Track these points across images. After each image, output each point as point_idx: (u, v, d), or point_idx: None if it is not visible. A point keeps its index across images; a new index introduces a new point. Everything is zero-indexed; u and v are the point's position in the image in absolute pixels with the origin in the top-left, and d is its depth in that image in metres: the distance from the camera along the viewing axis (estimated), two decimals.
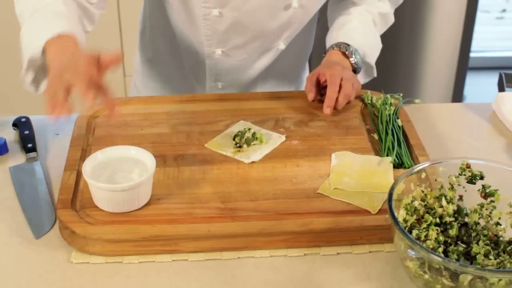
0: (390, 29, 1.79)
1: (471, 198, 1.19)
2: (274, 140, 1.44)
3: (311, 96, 1.56)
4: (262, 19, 1.60)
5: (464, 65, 3.15)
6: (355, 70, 1.62)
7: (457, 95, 3.22)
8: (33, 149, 1.45)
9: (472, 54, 3.23)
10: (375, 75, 1.72)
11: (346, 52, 1.61)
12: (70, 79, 1.22)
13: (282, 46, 1.69)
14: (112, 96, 1.25)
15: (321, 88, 1.58)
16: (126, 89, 3.14)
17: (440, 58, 3.12)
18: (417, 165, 1.21)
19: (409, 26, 2.99)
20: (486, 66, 4.31)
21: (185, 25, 1.66)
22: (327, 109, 1.52)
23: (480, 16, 3.36)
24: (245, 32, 1.62)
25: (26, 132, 1.49)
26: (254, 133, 1.43)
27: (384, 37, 1.74)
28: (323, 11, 1.71)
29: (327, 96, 1.53)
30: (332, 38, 1.67)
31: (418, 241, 1.07)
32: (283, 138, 1.45)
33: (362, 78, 1.71)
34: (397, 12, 1.77)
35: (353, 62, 1.61)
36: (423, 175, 1.20)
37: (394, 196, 1.14)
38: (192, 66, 1.75)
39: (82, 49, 1.35)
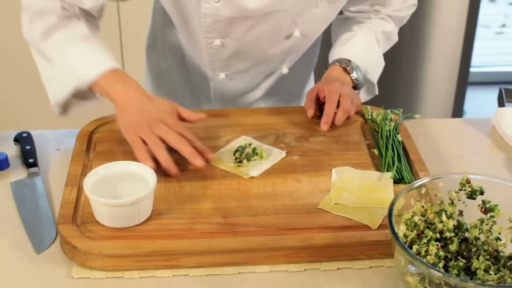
0: None
1: (471, 213, 1.19)
2: (275, 155, 1.45)
3: (310, 112, 1.57)
4: (263, 48, 1.61)
5: (464, 80, 3.16)
6: (356, 87, 1.63)
7: (457, 110, 3.22)
8: (34, 164, 1.46)
9: (472, 69, 3.23)
10: (376, 93, 1.73)
11: (347, 68, 1.62)
12: (165, 135, 1.37)
13: (285, 70, 1.71)
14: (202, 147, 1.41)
15: (320, 104, 1.58)
16: None
17: (440, 73, 3.12)
18: (417, 181, 1.21)
19: (409, 41, 3.00)
20: (486, 81, 4.32)
21: (190, 48, 1.67)
22: (324, 126, 1.53)
23: (480, 31, 3.37)
24: (247, 59, 1.63)
25: (28, 147, 1.50)
26: (254, 149, 1.43)
27: (385, 52, 1.75)
28: (327, 28, 1.71)
29: (325, 112, 1.53)
30: (334, 54, 1.68)
31: (418, 256, 1.07)
32: (283, 154, 1.46)
33: (363, 95, 1.72)
34: None
35: (353, 78, 1.62)
36: (423, 190, 1.20)
37: (394, 212, 1.14)
38: (199, 84, 1.76)
39: (151, 94, 1.44)
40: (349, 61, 1.63)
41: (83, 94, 1.48)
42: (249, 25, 1.53)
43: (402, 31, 1.79)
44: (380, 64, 1.73)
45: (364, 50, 1.68)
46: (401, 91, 3.17)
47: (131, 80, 1.43)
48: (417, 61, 3.10)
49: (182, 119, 1.43)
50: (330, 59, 1.69)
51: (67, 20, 1.48)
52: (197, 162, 1.36)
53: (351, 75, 1.62)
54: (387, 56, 1.77)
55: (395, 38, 1.77)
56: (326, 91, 1.55)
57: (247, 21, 1.52)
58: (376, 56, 1.71)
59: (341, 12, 1.73)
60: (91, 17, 1.54)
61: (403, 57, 3.06)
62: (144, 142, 1.37)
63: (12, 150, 1.52)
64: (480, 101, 4.05)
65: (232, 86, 1.71)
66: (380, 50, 1.73)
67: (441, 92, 3.18)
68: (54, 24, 1.47)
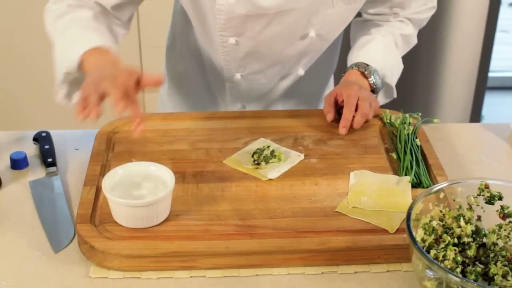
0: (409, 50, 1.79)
1: (490, 218, 1.19)
2: (293, 158, 1.45)
3: (330, 117, 1.57)
4: (279, 48, 1.61)
5: (483, 85, 3.15)
6: (374, 91, 1.62)
7: (475, 115, 3.21)
8: (53, 163, 1.46)
9: (491, 74, 3.22)
10: (395, 96, 1.73)
11: (365, 72, 1.62)
12: (106, 86, 1.27)
13: (301, 72, 1.70)
14: (141, 111, 1.29)
15: (339, 108, 1.58)
16: (145, 105, 3.16)
17: (459, 77, 3.11)
18: (436, 185, 1.21)
19: (428, 46, 2.99)
20: (506, 86, 4.30)
21: (207, 47, 1.68)
22: (342, 129, 1.53)
23: (499, 36, 3.36)
24: (262, 59, 1.63)
25: (47, 146, 1.50)
26: (272, 151, 1.43)
27: (403, 56, 1.75)
28: (346, 30, 1.71)
29: (343, 116, 1.53)
30: (352, 57, 1.68)
31: (436, 261, 1.07)
32: (301, 156, 1.46)
33: (381, 99, 1.71)
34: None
35: (371, 82, 1.62)
36: (442, 195, 1.20)
37: (413, 216, 1.14)
38: (216, 85, 1.76)
39: (122, 63, 1.39)
40: (367, 65, 1.63)
41: (78, 79, 1.48)
42: (264, 24, 1.53)
43: (421, 35, 1.78)
44: (399, 67, 1.73)
45: (383, 53, 1.67)
46: (419, 95, 3.16)
47: (109, 54, 1.43)
48: (435, 65, 3.09)
49: (142, 84, 1.31)
50: (349, 63, 1.68)
51: (74, 8, 1.52)
52: (119, 105, 1.24)
53: (369, 79, 1.62)
54: (406, 60, 1.76)
55: (414, 41, 1.76)
56: (345, 94, 1.55)
57: (261, 19, 1.52)
58: (394, 60, 1.70)
59: (359, 15, 1.73)
60: (112, 13, 1.56)
61: (422, 61, 3.05)
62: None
63: (31, 150, 1.52)
64: (499, 106, 4.03)
65: (248, 87, 1.71)
66: (398, 54, 1.72)
67: (459, 96, 3.17)
68: (63, 11, 1.51)
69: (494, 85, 4.15)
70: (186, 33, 1.75)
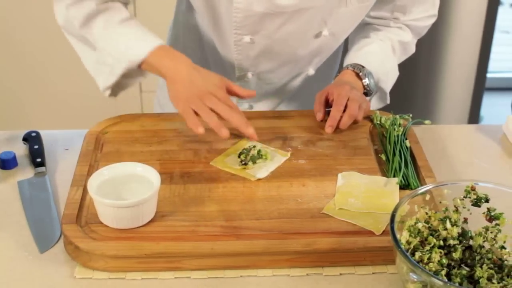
0: None
1: (476, 221, 1.18)
2: (279, 157, 1.45)
3: (319, 116, 1.57)
4: (293, 47, 1.61)
5: (481, 86, 3.14)
6: (367, 93, 1.62)
7: (474, 116, 3.20)
8: (42, 163, 1.46)
9: (491, 75, 3.21)
10: (388, 102, 1.73)
11: (360, 74, 1.62)
12: (216, 106, 1.41)
13: (311, 71, 1.70)
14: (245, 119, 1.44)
15: (329, 108, 1.58)
16: (142, 105, 3.16)
17: (457, 79, 3.11)
18: (421, 187, 1.21)
19: (426, 47, 2.98)
20: (507, 87, 4.29)
21: (217, 47, 1.67)
22: (328, 128, 1.53)
23: (499, 37, 3.35)
24: (276, 58, 1.63)
25: (36, 146, 1.50)
26: (259, 151, 1.43)
27: (400, 62, 1.74)
28: None
29: (330, 115, 1.53)
30: (349, 58, 1.68)
31: (419, 265, 1.07)
32: (288, 155, 1.46)
33: (375, 103, 1.71)
34: None
35: (365, 84, 1.61)
36: (428, 197, 1.20)
37: (398, 218, 1.13)
38: None
39: (201, 67, 1.49)
40: (363, 67, 1.63)
41: (131, 73, 1.53)
42: (280, 22, 1.53)
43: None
44: (394, 73, 1.72)
45: (379, 57, 1.67)
46: (418, 96, 3.16)
47: (179, 55, 1.49)
48: (434, 66, 3.08)
49: (231, 93, 1.48)
50: (345, 64, 1.68)
51: (105, 5, 1.53)
52: (249, 130, 1.42)
53: (363, 81, 1.62)
54: (405, 60, 1.76)
55: (412, 50, 1.76)
56: (335, 94, 1.55)
57: (278, 18, 1.52)
58: (390, 65, 1.70)
59: None
60: (125, 1, 1.58)
61: (420, 62, 3.04)
62: (196, 114, 1.41)
63: (20, 149, 1.52)
64: (500, 107, 4.02)
65: (258, 87, 1.70)
66: (395, 60, 1.72)
67: (458, 97, 3.16)
68: (93, 10, 1.51)
69: (496, 86, 4.14)
70: (190, 34, 1.74)
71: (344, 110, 1.54)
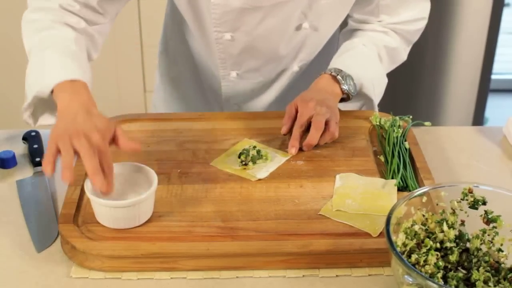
0: (412, 51, 1.75)
1: (474, 223, 1.18)
2: (280, 157, 1.45)
3: (284, 129, 1.52)
4: (274, 42, 1.60)
5: (486, 87, 3.13)
6: (345, 98, 1.59)
7: (478, 118, 3.19)
8: (41, 163, 1.46)
9: (496, 76, 3.20)
10: (375, 110, 1.66)
11: (337, 77, 1.56)
12: (80, 147, 1.22)
13: (296, 68, 1.68)
14: (109, 181, 1.24)
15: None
16: (146, 105, 3.16)
17: (462, 80, 3.10)
18: (418, 189, 1.20)
19: (431, 49, 2.98)
20: (511, 89, 4.27)
21: (201, 48, 1.67)
22: (292, 149, 1.47)
23: (504, 38, 3.34)
24: (258, 55, 1.62)
25: (35, 146, 1.50)
26: (259, 151, 1.43)
27: (389, 71, 1.71)
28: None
29: (292, 135, 1.48)
30: (330, 64, 1.64)
31: (414, 267, 1.06)
32: (288, 156, 1.46)
33: (358, 107, 1.68)
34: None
35: (344, 88, 1.56)
36: (425, 199, 1.19)
37: (394, 220, 1.13)
38: (210, 88, 1.76)
39: (97, 110, 1.32)
40: (341, 70, 1.58)
41: (49, 104, 1.42)
42: (259, 17, 1.53)
43: (424, 39, 1.75)
44: (381, 81, 1.66)
45: (361, 62, 1.62)
46: (422, 98, 3.15)
47: (84, 92, 1.35)
48: (438, 67, 3.07)
49: (115, 140, 1.31)
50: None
51: (58, 24, 1.45)
52: (95, 179, 1.21)
53: (341, 84, 1.56)
54: (409, 62, 1.74)
55: (402, 57, 1.71)
56: (299, 111, 1.50)
57: (257, 12, 1.51)
58: (375, 72, 1.65)
59: (346, 24, 1.71)
60: (95, 13, 1.51)
61: (425, 64, 3.03)
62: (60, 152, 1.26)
63: (20, 149, 1.53)
64: (504, 109, 4.01)
65: (244, 87, 1.70)
66: (382, 67, 1.67)
67: (462, 99, 3.16)
68: (45, 25, 1.45)
69: (502, 88, 4.13)
70: (178, 36, 1.74)
71: (309, 127, 1.48)
